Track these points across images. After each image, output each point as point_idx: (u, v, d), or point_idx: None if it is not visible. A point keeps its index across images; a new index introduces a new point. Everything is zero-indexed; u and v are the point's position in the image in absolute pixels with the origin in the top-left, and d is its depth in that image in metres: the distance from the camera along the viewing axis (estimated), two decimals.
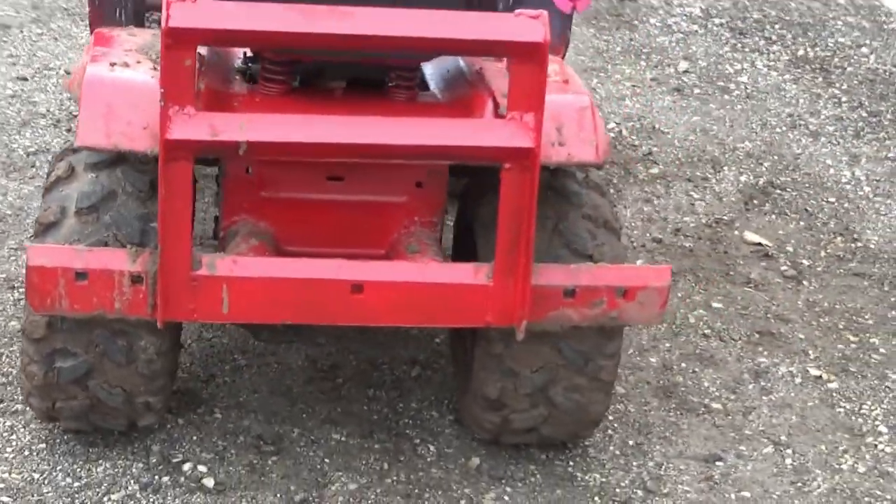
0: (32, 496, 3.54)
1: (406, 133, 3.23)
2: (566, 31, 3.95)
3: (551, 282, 3.41)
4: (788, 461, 4.03)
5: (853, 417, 4.22)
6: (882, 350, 4.61)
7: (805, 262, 5.18)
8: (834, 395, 4.33)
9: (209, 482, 3.66)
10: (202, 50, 3.51)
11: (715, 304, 4.81)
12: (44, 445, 3.73)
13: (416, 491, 3.73)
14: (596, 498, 3.78)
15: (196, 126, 3.14)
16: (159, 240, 3.15)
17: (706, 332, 4.63)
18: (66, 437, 3.75)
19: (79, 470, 3.66)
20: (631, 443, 4.00)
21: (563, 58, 3.94)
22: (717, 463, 3.95)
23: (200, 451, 3.79)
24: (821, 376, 4.43)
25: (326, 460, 3.81)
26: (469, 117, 3.45)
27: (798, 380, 4.40)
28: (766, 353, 4.52)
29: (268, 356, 4.24)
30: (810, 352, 4.56)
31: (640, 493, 3.81)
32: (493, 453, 3.88)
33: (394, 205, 3.58)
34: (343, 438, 3.90)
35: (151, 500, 3.59)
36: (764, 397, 4.28)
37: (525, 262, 3.33)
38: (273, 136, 3.19)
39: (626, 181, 5.68)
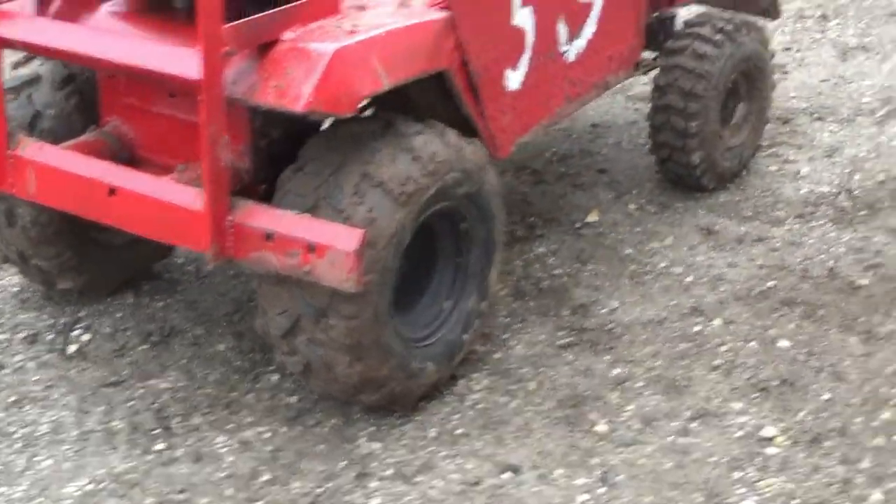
0: None
1: (106, 49, 3.56)
2: None
3: (254, 222, 3.52)
4: (582, 497, 3.58)
5: (732, 487, 3.63)
6: None
7: None
8: (755, 459, 3.70)
9: (73, 348, 4.21)
10: None
11: (781, 343, 4.22)
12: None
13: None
14: (325, 460, 3.73)
15: None
16: None
17: (718, 363, 4.13)
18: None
19: (14, 311, 4.41)
20: (459, 432, 3.83)
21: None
22: (504, 475, 3.67)
23: (105, 326, 4.33)
24: (772, 438, 3.80)
25: (182, 360, 4.16)
26: None
27: (738, 433, 3.81)
28: (751, 401, 3.95)
29: None
30: (802, 415, 3.90)
31: (389, 472, 3.67)
32: (320, 399, 3.96)
33: None
34: (224, 349, 4.21)
35: (20, 347, 4.22)
36: (668, 438, 3.79)
37: (215, 193, 3.49)
38: (19, 35, 3.70)
39: (861, 217, 4.97)
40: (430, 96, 3.89)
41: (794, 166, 5.27)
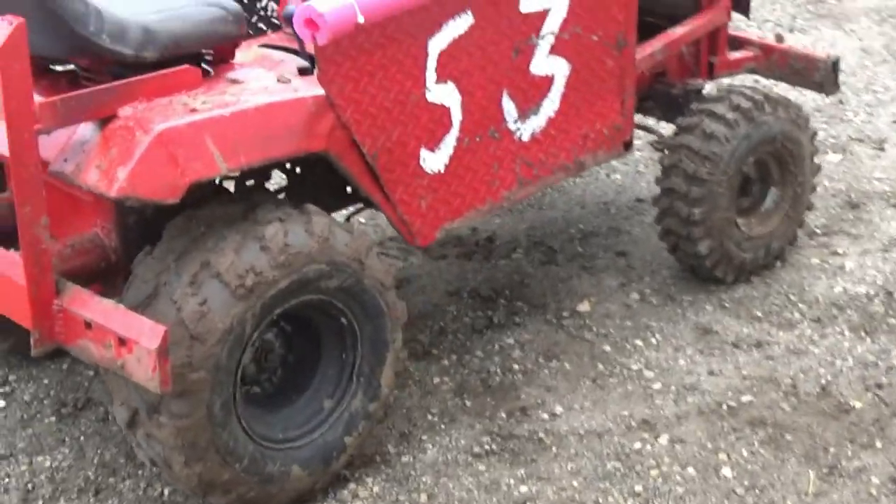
0: None
1: None
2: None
3: (76, 308, 3.33)
4: None
5: None
6: None
7: None
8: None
9: None
10: None
11: (723, 471, 3.76)
12: None
13: None
14: None
15: None
16: None
17: (640, 489, 3.70)
18: None
19: None
20: None
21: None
22: None
23: (27, 392, 4.21)
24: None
25: (81, 437, 4.01)
26: None
27: None
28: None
29: None
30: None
31: None
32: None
33: None
34: None
35: None
36: None
37: (34, 276, 3.32)
38: None
39: (889, 326, 4.40)
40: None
41: (839, 259, 4.70)
